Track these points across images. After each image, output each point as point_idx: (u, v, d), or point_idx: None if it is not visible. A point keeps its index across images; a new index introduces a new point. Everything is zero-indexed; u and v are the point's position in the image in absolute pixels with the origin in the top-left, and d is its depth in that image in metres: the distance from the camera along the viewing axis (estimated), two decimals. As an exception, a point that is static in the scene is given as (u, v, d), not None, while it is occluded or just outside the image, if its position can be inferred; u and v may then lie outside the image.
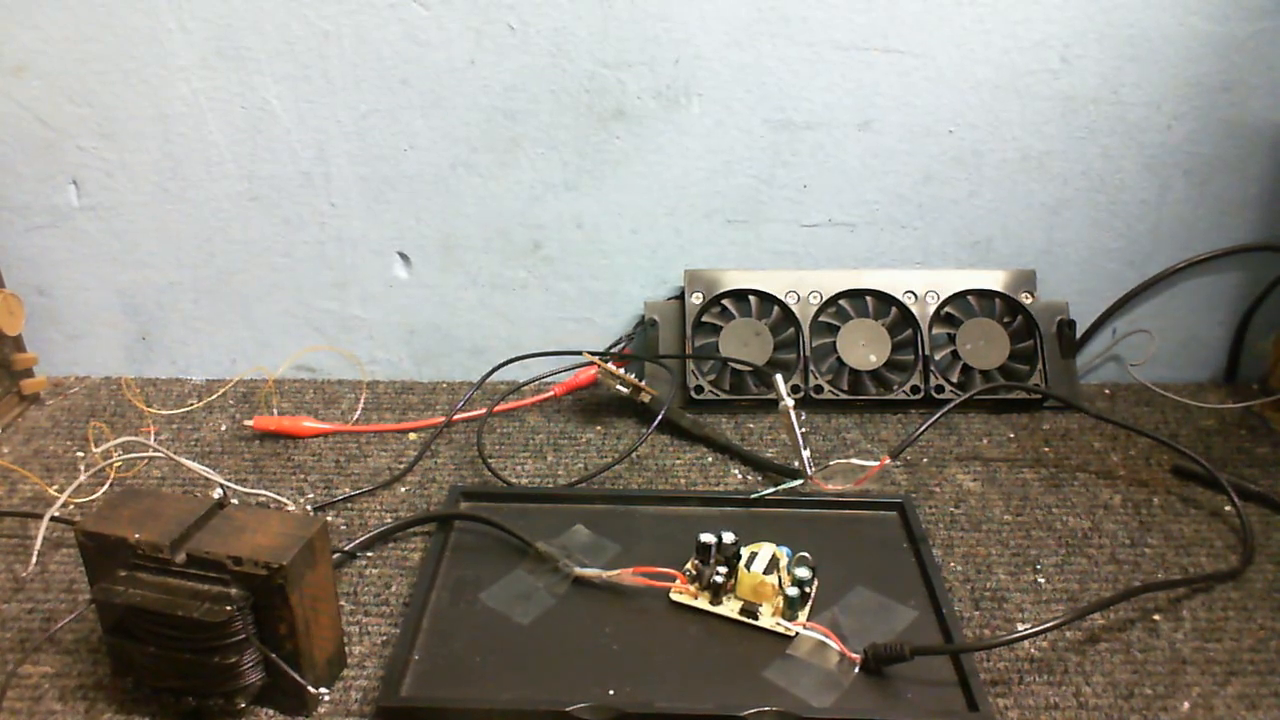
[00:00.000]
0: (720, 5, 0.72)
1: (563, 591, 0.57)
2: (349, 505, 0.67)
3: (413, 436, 0.75)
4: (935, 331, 0.79)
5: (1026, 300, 0.80)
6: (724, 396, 0.78)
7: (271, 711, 0.51)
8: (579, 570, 0.58)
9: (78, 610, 0.55)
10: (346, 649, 0.54)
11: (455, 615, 0.56)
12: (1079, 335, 0.82)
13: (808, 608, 0.55)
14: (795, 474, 0.68)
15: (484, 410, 0.77)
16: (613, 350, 0.82)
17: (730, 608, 0.56)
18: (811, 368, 0.78)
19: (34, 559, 0.61)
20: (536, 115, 0.75)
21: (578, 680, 0.51)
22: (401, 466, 0.71)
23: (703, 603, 0.56)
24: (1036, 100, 0.75)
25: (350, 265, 0.80)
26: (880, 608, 0.56)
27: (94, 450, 0.72)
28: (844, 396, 0.78)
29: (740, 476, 0.71)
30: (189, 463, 0.68)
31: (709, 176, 0.77)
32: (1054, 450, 0.74)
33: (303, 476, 0.70)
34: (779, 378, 0.67)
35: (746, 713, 0.48)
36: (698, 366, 0.78)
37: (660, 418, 0.73)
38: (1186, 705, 0.52)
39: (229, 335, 0.83)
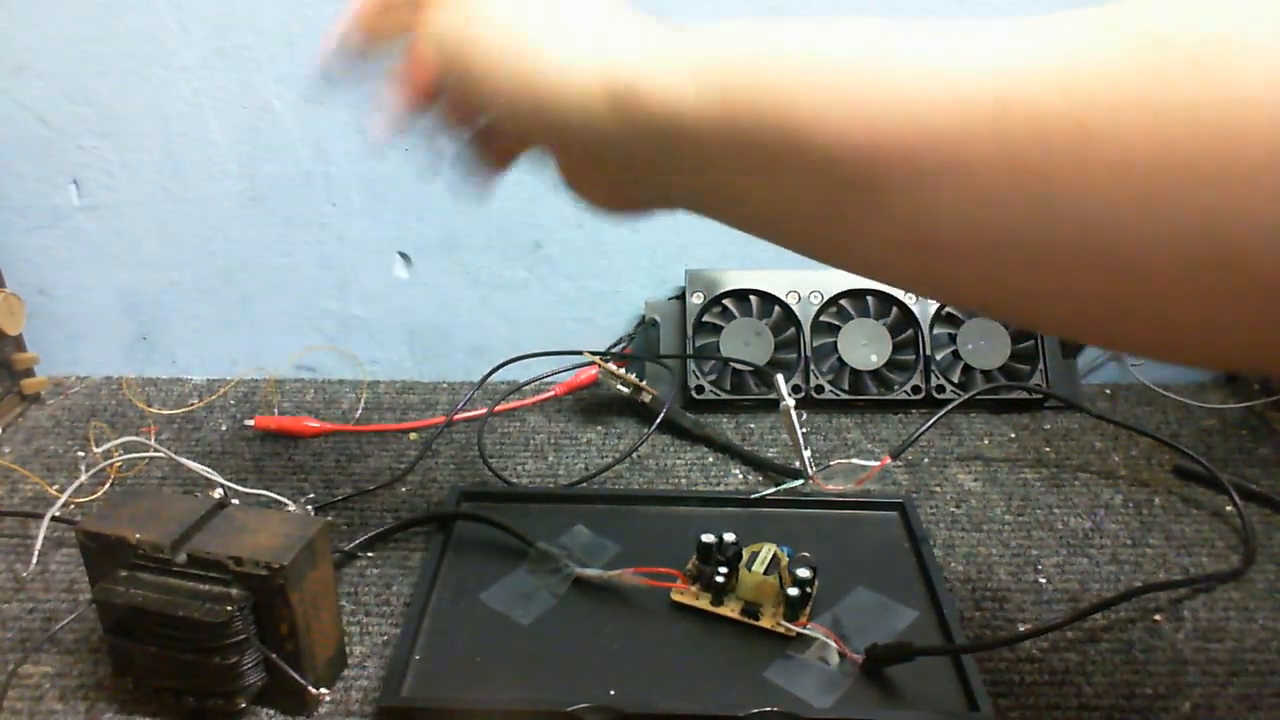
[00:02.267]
0: (721, 5, 0.72)
1: (563, 591, 0.57)
2: (349, 505, 0.67)
3: (413, 436, 0.75)
4: (936, 331, 0.79)
5: (1028, 300, 0.80)
6: (725, 396, 0.78)
7: (272, 711, 0.51)
8: (580, 570, 0.58)
9: (78, 610, 0.56)
10: (347, 649, 0.54)
11: (456, 615, 0.56)
12: (1080, 335, 0.81)
13: (808, 608, 0.55)
14: (796, 474, 0.67)
15: (484, 410, 0.77)
16: (613, 350, 0.82)
17: (731, 608, 0.55)
18: (812, 367, 0.78)
19: (34, 559, 0.61)
20: (537, 115, 0.75)
21: (579, 680, 0.51)
22: (402, 466, 0.71)
23: (704, 603, 0.56)
24: (1038, 100, 0.75)
25: (351, 265, 0.80)
26: (881, 608, 0.56)
27: (95, 450, 0.72)
28: (845, 396, 0.78)
29: (741, 476, 0.70)
30: (189, 463, 0.68)
31: (710, 176, 0.77)
32: (1055, 450, 0.74)
33: (303, 476, 0.70)
34: (780, 378, 0.67)
35: (747, 713, 0.48)
36: (698, 366, 0.78)
37: (661, 418, 0.73)
38: (1188, 706, 0.52)
39: (229, 335, 0.83)
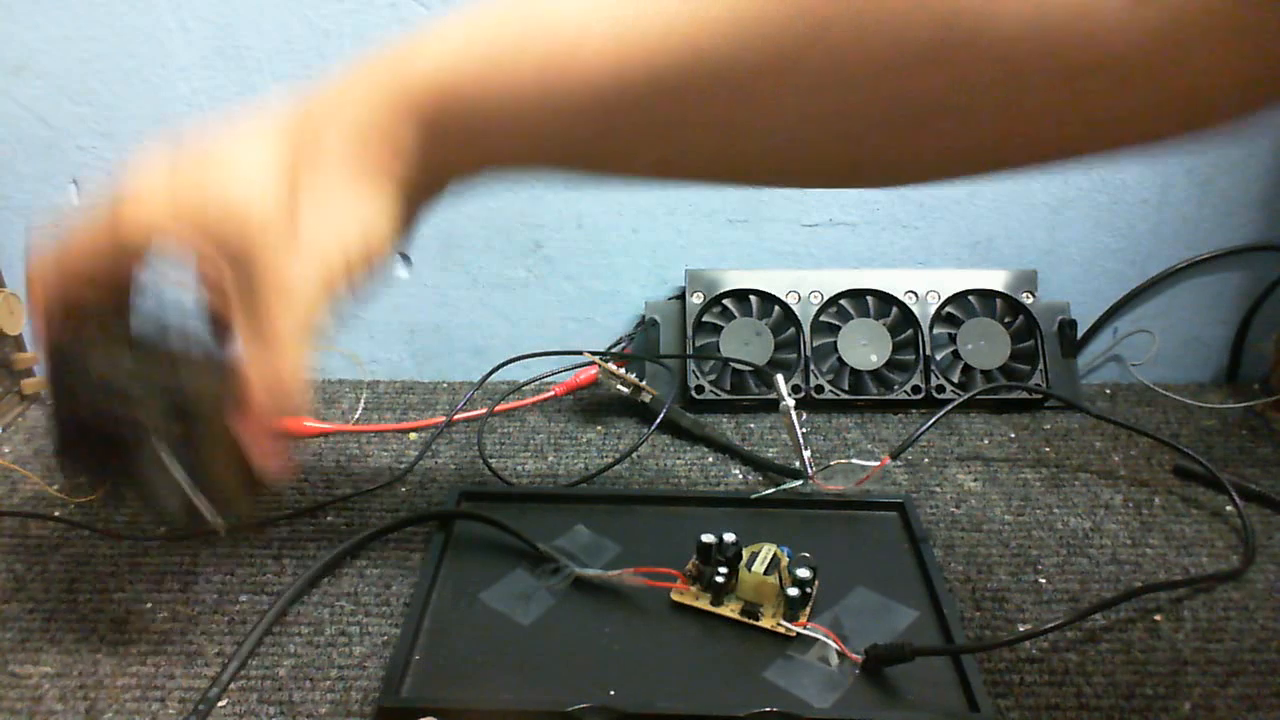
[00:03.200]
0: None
1: (563, 591, 0.57)
2: (349, 505, 0.67)
3: (413, 436, 0.75)
4: (936, 331, 0.79)
5: (1027, 300, 0.80)
6: (725, 396, 0.78)
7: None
8: (579, 570, 0.58)
9: (78, 610, 0.56)
10: (345, 649, 0.54)
11: (455, 615, 0.56)
12: (1080, 335, 0.82)
13: (808, 608, 0.55)
14: (796, 474, 0.67)
15: (484, 410, 0.77)
16: (613, 350, 0.82)
17: (731, 608, 0.55)
18: (812, 367, 0.78)
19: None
20: (537, 115, 0.75)
21: (578, 681, 0.51)
22: (402, 466, 0.71)
23: (703, 603, 0.56)
24: (1038, 100, 0.75)
25: (351, 265, 0.80)
26: (881, 608, 0.56)
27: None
28: (845, 396, 0.78)
29: (741, 476, 0.70)
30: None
31: (710, 176, 0.77)
32: (1055, 450, 0.74)
33: (303, 476, 0.70)
34: (780, 378, 0.67)
35: (747, 713, 0.48)
36: (698, 366, 0.78)
37: (661, 418, 0.73)
38: (1188, 706, 0.52)
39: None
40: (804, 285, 0.80)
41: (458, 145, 0.41)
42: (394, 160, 0.41)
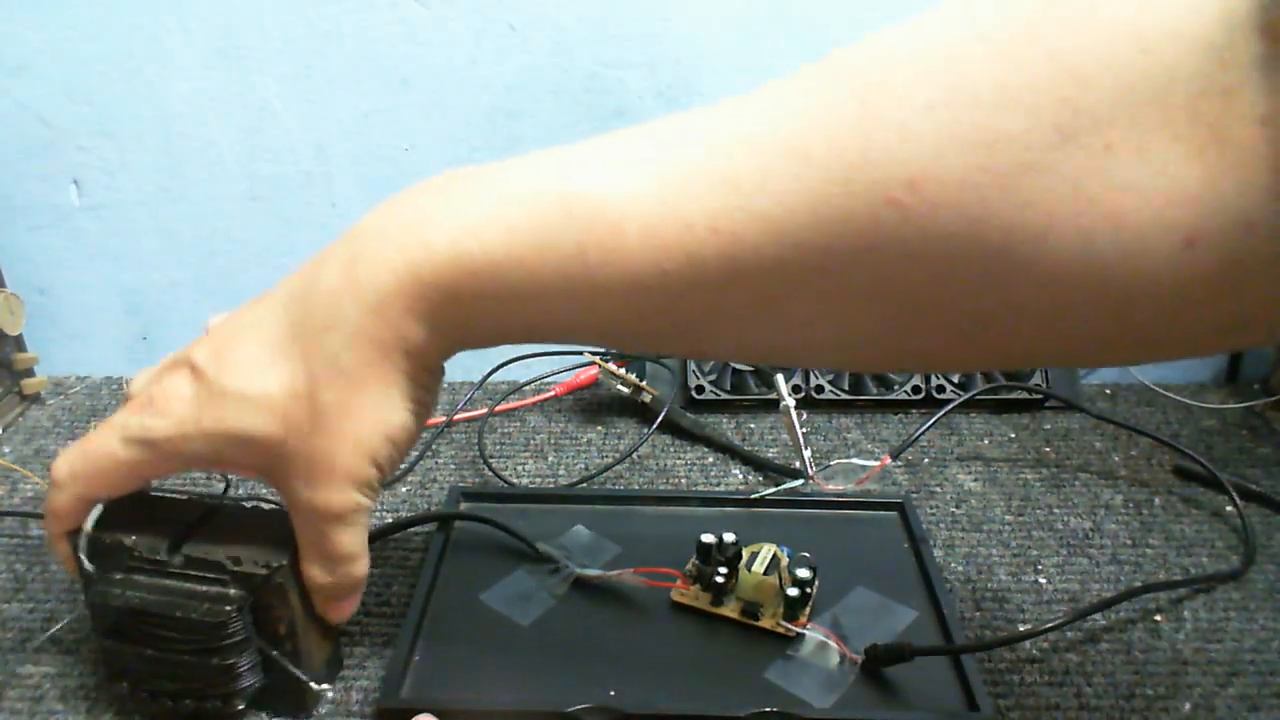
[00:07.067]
0: (722, 5, 0.72)
1: (563, 592, 0.57)
2: (349, 505, 0.67)
3: (413, 436, 0.75)
4: (936, 331, 0.79)
5: (1028, 300, 0.80)
6: (725, 396, 0.78)
7: (267, 715, 0.50)
8: (579, 571, 0.58)
9: (78, 611, 0.56)
10: (346, 649, 0.54)
11: (455, 616, 0.56)
12: (1080, 335, 0.81)
13: (808, 608, 0.55)
14: (796, 474, 0.67)
15: (484, 410, 0.77)
16: (614, 350, 0.82)
17: (731, 608, 0.55)
18: (812, 367, 0.78)
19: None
20: (537, 115, 0.75)
21: (578, 681, 0.51)
22: (402, 466, 0.71)
23: (703, 603, 0.56)
24: (1038, 100, 0.75)
25: (351, 265, 0.80)
26: (881, 608, 0.56)
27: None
28: (845, 396, 0.78)
29: (741, 476, 0.70)
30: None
31: (710, 176, 0.77)
32: (1055, 450, 0.74)
33: (303, 476, 0.70)
34: (780, 378, 0.67)
35: (747, 713, 0.48)
36: (698, 366, 0.78)
37: (661, 418, 0.73)
38: (1188, 706, 0.52)
39: (230, 335, 0.83)
40: (804, 285, 0.79)
41: (472, 320, 0.40)
42: (403, 357, 0.41)
